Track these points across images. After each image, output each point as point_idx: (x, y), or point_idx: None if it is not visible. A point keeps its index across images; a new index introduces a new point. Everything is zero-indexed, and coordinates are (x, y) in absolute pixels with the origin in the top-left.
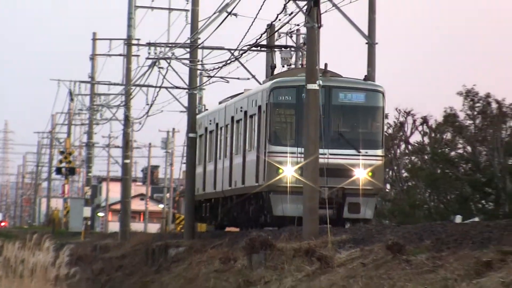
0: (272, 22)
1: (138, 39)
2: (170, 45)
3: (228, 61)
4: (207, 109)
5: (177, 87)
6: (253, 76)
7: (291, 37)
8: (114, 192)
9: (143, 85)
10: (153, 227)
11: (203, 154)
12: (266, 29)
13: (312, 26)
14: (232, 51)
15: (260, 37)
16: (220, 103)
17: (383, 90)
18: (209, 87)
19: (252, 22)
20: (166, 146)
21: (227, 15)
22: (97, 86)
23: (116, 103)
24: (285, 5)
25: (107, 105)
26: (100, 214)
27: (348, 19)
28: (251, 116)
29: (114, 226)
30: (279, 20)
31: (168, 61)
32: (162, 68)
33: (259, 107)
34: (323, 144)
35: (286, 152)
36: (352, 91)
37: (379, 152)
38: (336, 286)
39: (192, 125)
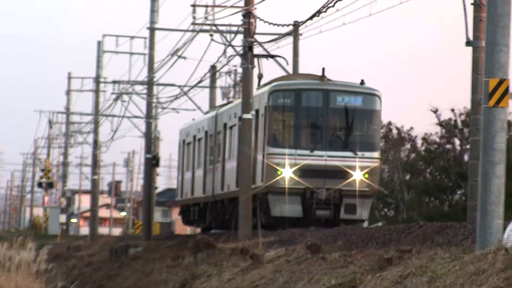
0: (214, 63)
1: (105, 78)
2: (131, 82)
3: (178, 96)
4: (193, 119)
5: (136, 117)
6: (199, 108)
7: (229, 75)
8: (84, 202)
9: (109, 115)
10: (117, 231)
11: (192, 161)
12: (209, 69)
13: (247, 67)
14: (182, 87)
15: (205, 75)
16: (206, 113)
17: (379, 94)
18: (162, 116)
19: (198, 64)
20: (127, 165)
21: (178, 58)
22: (71, 116)
23: (87, 129)
24: (225, 50)
25: (80, 132)
26: (74, 220)
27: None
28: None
29: (84, 230)
30: (220, 62)
31: (129, 95)
32: (124, 101)
33: (257, 111)
34: (321, 146)
35: (285, 154)
36: (349, 94)
37: (376, 154)
38: (265, 278)
39: (148, 148)
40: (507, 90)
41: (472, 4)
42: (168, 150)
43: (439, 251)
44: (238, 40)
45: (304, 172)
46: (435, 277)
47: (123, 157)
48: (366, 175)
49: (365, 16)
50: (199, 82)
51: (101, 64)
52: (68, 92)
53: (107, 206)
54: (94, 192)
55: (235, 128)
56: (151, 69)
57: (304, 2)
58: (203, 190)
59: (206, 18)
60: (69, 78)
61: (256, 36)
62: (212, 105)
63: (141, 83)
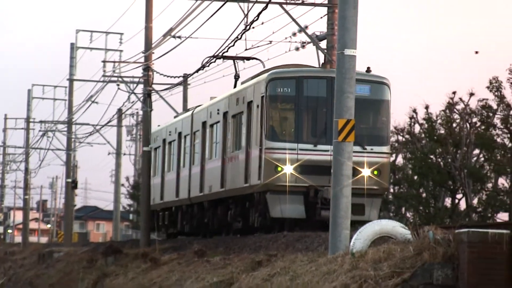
0: (120, 107)
1: (34, 118)
2: (54, 122)
3: (92, 132)
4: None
5: (58, 149)
6: (108, 142)
7: (133, 116)
8: (18, 216)
9: (37, 148)
10: (44, 240)
11: (161, 165)
12: (117, 111)
13: (146, 110)
14: (95, 126)
15: (113, 116)
16: (175, 117)
17: (389, 82)
18: (80, 149)
19: (108, 107)
20: (52, 187)
21: (91, 103)
22: (7, 149)
23: (19, 159)
24: (129, 96)
25: (14, 161)
26: (9, 231)
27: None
28: (234, 116)
29: (18, 239)
30: (125, 105)
31: (53, 132)
32: (49, 137)
33: (249, 103)
34: (326, 140)
35: (286, 149)
36: (356, 82)
37: (385, 149)
38: (161, 277)
39: (68, 174)
40: (353, 128)
41: (323, 63)
42: (84, 175)
43: (299, 255)
44: (140, 88)
45: (307, 168)
46: (296, 276)
47: (48, 181)
48: (375, 172)
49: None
50: (109, 121)
51: (31, 108)
52: (4, 130)
53: (36, 219)
54: (25, 209)
55: (218, 125)
56: (70, 111)
57: (193, 59)
58: (176, 194)
59: (114, 71)
60: (5, 118)
61: (154, 86)
62: (119, 141)
63: (62, 122)
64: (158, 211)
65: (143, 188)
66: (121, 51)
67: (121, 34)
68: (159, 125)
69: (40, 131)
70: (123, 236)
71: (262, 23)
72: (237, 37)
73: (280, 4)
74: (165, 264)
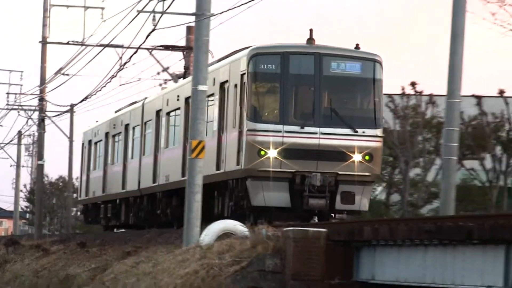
0: (20, 129)
1: None
2: None
3: None
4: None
5: None
6: (10, 157)
7: (30, 137)
8: None
9: None
10: None
11: (104, 158)
12: (17, 133)
13: (40, 132)
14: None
15: (14, 137)
16: (116, 111)
17: (380, 59)
18: None
19: (10, 129)
20: None
21: None
22: None
23: None
24: (27, 121)
25: None
26: None
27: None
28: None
29: None
30: (24, 128)
31: None
32: None
33: (222, 84)
34: (314, 122)
35: (269, 131)
36: (346, 59)
37: (378, 132)
38: (51, 263)
39: None
40: (203, 147)
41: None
42: None
43: (160, 247)
44: (36, 115)
45: (293, 152)
46: (157, 263)
47: None
48: (367, 157)
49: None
50: (11, 141)
51: None
52: None
53: None
54: None
55: (179, 111)
56: None
57: (80, 90)
58: (122, 186)
59: (15, 101)
60: None
61: (47, 112)
62: (19, 156)
63: None
64: (99, 204)
65: (37, 192)
66: (21, 85)
67: (21, 72)
68: (97, 121)
69: None
70: (21, 231)
71: (134, 64)
72: (113, 75)
73: (148, 49)
74: (53, 253)
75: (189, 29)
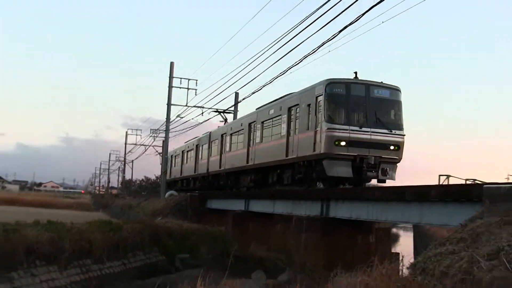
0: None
1: None
2: None
3: None
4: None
5: None
6: None
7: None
8: None
9: None
10: None
11: (180, 161)
12: None
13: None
14: None
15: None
16: (186, 142)
17: (400, 89)
18: None
19: None
20: None
21: None
22: None
23: None
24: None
25: None
26: None
27: None
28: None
29: None
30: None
31: None
32: None
33: (290, 108)
34: (367, 124)
35: (341, 129)
36: (382, 88)
37: (402, 132)
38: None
39: None
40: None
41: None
42: None
43: None
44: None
45: (354, 143)
46: None
47: None
48: (396, 148)
49: None
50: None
51: None
52: None
53: None
54: None
55: (244, 131)
56: None
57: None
58: (194, 171)
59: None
60: None
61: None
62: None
63: None
64: (177, 180)
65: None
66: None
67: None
68: (173, 147)
69: None
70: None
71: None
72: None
73: (217, 110)
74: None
75: (236, 95)
